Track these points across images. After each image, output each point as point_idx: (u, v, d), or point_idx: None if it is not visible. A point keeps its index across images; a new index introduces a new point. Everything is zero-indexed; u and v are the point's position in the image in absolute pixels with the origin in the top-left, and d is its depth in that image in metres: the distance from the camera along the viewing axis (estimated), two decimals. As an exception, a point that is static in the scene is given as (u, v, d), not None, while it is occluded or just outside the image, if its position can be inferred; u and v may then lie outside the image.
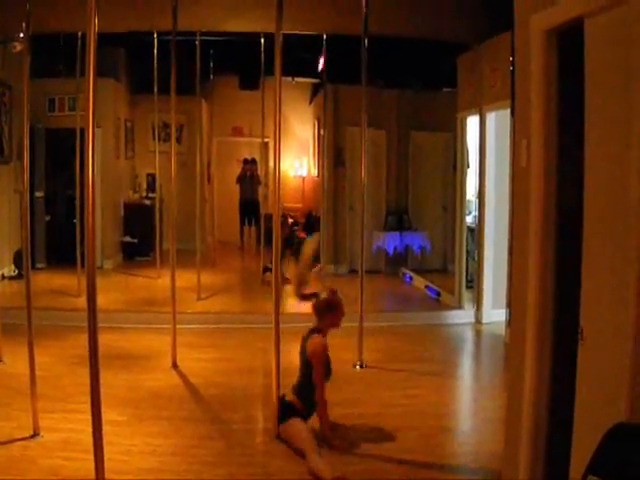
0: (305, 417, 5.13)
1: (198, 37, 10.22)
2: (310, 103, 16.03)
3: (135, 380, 6.55)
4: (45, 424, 5.13)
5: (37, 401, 5.08)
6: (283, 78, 5.31)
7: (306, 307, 10.43)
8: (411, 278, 12.08)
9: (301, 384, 5.23)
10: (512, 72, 7.17)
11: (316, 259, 11.44)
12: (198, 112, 11.73)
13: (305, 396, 5.17)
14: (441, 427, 5.57)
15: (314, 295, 6.02)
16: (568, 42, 3.58)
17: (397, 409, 5.93)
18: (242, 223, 15.80)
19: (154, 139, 12.73)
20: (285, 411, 5.14)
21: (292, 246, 12.42)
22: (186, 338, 7.59)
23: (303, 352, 5.27)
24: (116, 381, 6.35)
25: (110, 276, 11.85)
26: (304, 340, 5.32)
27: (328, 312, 5.33)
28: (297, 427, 5.02)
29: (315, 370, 5.15)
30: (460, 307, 9.63)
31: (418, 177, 12.95)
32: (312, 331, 5.32)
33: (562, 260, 3.73)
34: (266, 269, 10.97)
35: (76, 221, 10.12)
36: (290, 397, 5.18)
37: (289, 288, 10.55)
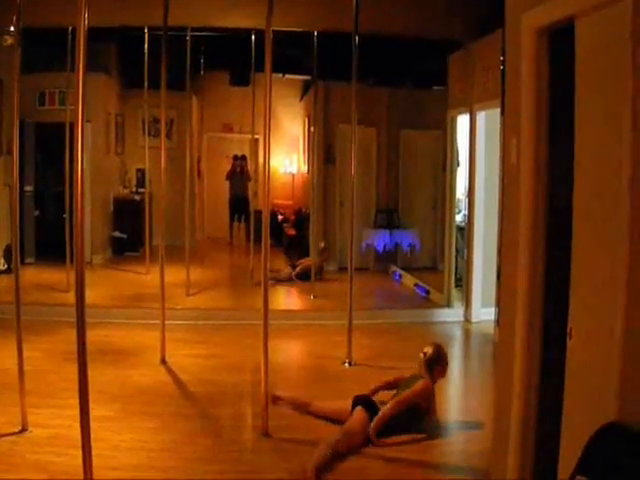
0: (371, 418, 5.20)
1: (189, 33, 10.19)
2: (300, 100, 16.02)
3: (124, 376, 6.54)
4: (33, 419, 5.11)
5: (25, 396, 5.06)
6: (273, 74, 5.32)
7: (295, 304, 10.56)
8: (400, 276, 12.09)
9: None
10: (503, 71, 7.18)
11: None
12: (188, 108, 11.70)
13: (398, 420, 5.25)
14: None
15: None
16: (559, 40, 3.58)
17: (386, 407, 5.93)
18: (232, 219, 15.79)
19: (144, 134, 12.69)
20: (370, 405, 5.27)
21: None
22: (175, 334, 7.58)
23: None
24: (105, 377, 6.34)
25: (99, 271, 11.83)
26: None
27: (437, 364, 5.49)
28: (359, 418, 5.15)
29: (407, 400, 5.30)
30: (449, 305, 9.64)
31: (408, 175, 12.96)
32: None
33: (552, 259, 3.74)
34: (294, 266, 11.61)
35: (65, 216, 10.08)
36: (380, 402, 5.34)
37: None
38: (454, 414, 5.76)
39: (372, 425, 5.10)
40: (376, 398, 5.45)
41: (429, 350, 5.54)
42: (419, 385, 5.36)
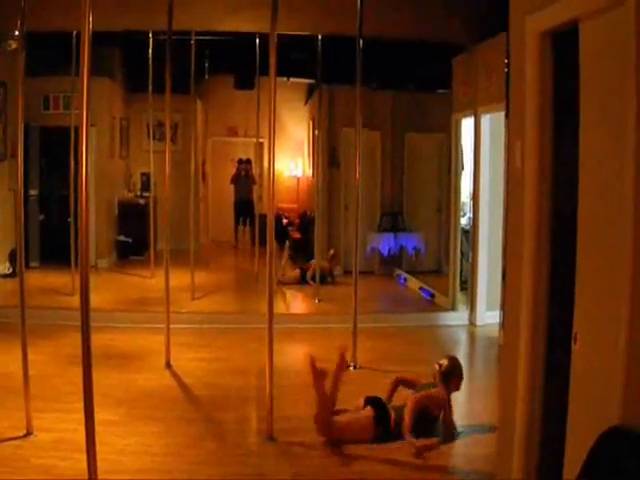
0: (378, 423, 5.27)
1: (193, 36, 10.19)
2: (305, 103, 16.02)
3: (128, 380, 6.54)
4: (38, 423, 5.12)
5: (30, 400, 5.07)
6: (278, 78, 5.32)
7: (300, 307, 10.56)
8: (405, 279, 12.08)
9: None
10: (507, 74, 7.17)
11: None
12: (193, 111, 11.71)
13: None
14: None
15: None
16: (563, 43, 3.58)
17: (390, 410, 5.93)
18: (237, 223, 15.78)
19: (149, 138, 12.71)
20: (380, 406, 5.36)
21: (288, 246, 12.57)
22: (180, 338, 7.57)
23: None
24: (109, 381, 6.33)
25: (104, 275, 11.83)
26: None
27: (453, 377, 5.56)
28: (365, 415, 5.29)
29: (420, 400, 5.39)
30: (454, 309, 9.63)
31: (413, 178, 12.95)
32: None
33: (556, 262, 3.73)
34: (302, 269, 11.74)
35: (70, 220, 10.08)
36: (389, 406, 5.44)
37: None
38: (458, 418, 5.73)
39: (405, 425, 5.21)
40: (387, 396, 5.58)
41: (445, 362, 5.59)
42: (434, 391, 5.46)
